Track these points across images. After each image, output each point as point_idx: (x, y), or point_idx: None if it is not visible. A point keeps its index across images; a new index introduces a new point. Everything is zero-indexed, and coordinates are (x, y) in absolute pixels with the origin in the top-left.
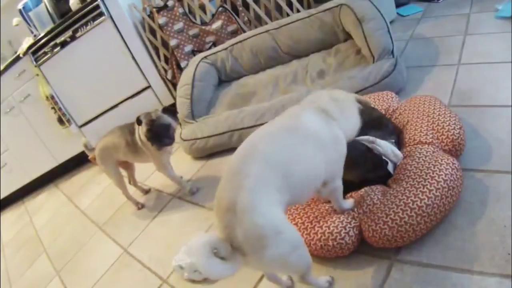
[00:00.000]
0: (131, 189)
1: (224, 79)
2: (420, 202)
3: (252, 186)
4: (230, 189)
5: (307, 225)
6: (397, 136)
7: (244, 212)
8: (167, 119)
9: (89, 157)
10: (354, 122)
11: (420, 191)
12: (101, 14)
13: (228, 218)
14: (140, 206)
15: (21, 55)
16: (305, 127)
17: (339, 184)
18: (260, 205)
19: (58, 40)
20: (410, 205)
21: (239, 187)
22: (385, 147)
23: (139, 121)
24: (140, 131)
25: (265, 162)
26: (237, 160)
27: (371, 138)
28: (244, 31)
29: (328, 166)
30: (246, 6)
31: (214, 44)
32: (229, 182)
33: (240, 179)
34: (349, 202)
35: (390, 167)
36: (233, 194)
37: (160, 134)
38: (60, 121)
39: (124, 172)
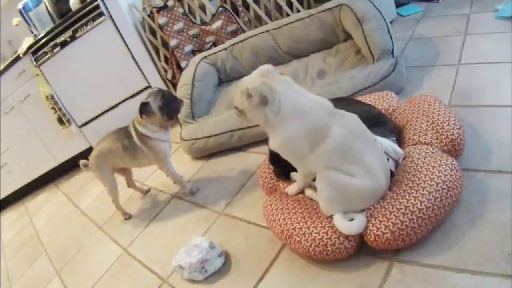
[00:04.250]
0: (130, 191)
1: (224, 79)
2: (420, 205)
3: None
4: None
5: (305, 230)
6: (397, 135)
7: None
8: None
9: None
10: None
11: (420, 193)
12: (101, 14)
13: None
14: (128, 217)
15: (21, 55)
16: None
17: None
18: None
19: (58, 40)
20: (411, 208)
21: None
22: (386, 144)
23: (144, 105)
24: (139, 126)
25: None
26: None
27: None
28: (244, 31)
29: None
30: (246, 6)
31: (214, 44)
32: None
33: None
34: None
35: (391, 164)
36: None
37: (171, 101)
38: (60, 121)
39: (121, 177)
